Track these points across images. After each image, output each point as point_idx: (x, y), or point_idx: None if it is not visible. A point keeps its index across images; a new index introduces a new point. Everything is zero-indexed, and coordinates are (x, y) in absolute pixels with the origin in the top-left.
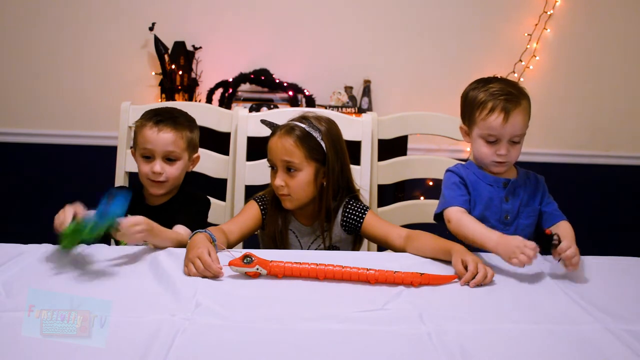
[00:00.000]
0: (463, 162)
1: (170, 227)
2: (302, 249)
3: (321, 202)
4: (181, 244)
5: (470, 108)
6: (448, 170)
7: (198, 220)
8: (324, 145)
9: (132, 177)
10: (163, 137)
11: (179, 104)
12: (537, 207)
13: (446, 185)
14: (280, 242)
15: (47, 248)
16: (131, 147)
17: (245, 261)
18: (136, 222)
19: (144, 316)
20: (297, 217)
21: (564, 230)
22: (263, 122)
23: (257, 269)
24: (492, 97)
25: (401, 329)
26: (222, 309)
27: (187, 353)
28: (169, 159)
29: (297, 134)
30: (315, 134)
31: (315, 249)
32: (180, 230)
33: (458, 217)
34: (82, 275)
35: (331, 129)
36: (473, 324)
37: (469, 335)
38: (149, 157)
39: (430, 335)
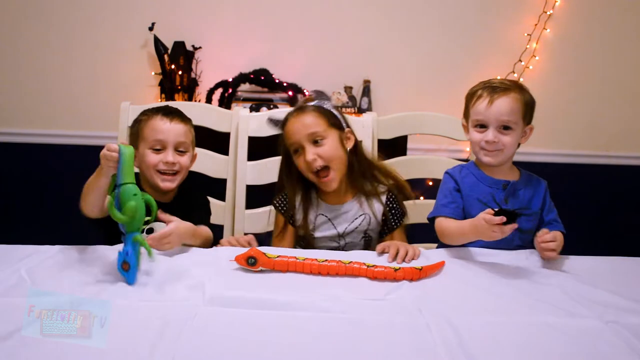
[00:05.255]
0: (464, 162)
1: None
2: (336, 231)
3: (354, 169)
4: (208, 242)
5: (467, 102)
6: (446, 172)
7: (204, 216)
8: (337, 113)
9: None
10: (175, 128)
11: (179, 104)
12: (537, 211)
13: (441, 190)
14: (311, 229)
15: (62, 247)
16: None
17: (249, 262)
18: (163, 235)
19: (156, 304)
20: (325, 197)
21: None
22: (270, 121)
23: (261, 270)
24: (483, 86)
25: (400, 319)
26: (229, 297)
27: (196, 338)
28: (179, 150)
29: (312, 108)
30: (327, 105)
31: (353, 230)
32: (205, 229)
33: (439, 228)
34: (99, 267)
35: (336, 103)
36: (471, 315)
37: (466, 326)
38: (159, 149)
39: (428, 326)
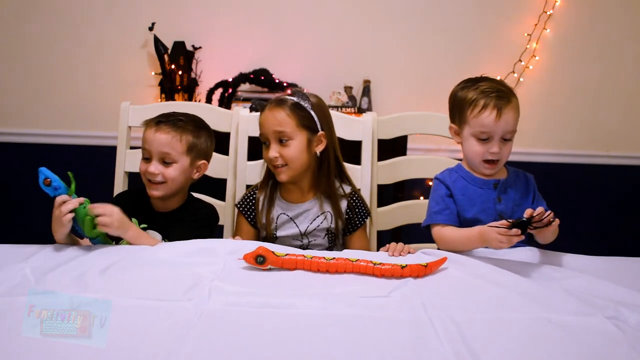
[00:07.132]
0: (456, 161)
1: (170, 235)
2: (298, 230)
3: (321, 170)
4: None
5: (460, 107)
6: (435, 178)
7: (195, 232)
8: (314, 114)
9: (139, 180)
10: (159, 138)
11: (179, 104)
12: (529, 206)
13: (432, 196)
14: (273, 228)
15: (65, 246)
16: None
17: (258, 261)
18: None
19: (162, 301)
20: (286, 195)
21: None
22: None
23: (270, 268)
24: (484, 95)
25: (404, 316)
26: (236, 294)
27: (204, 336)
28: (165, 162)
29: (288, 105)
30: (305, 104)
31: (315, 229)
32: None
33: (439, 236)
34: (102, 266)
35: (320, 102)
36: (474, 312)
37: (469, 322)
38: (147, 158)
39: (432, 322)
